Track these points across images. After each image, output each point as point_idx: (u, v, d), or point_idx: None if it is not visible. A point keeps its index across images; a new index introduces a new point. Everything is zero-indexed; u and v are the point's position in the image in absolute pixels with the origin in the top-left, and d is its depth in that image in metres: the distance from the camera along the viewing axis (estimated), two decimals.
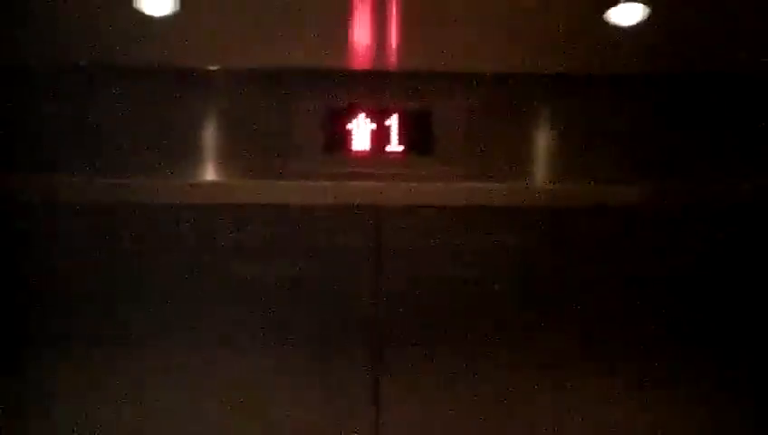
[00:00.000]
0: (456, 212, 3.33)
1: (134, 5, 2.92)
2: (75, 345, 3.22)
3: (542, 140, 3.37)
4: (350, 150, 3.24)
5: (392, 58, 3.26)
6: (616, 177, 3.28)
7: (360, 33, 3.13)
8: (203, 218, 3.31)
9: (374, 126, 3.25)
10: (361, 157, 3.25)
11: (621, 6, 2.94)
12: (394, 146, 3.25)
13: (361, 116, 3.26)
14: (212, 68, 3.32)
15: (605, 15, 2.99)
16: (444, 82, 3.30)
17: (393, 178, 3.23)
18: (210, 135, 3.31)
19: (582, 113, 3.33)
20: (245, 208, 3.28)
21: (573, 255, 3.36)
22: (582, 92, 3.33)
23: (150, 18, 2.99)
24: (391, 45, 3.19)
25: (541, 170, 3.35)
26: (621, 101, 3.34)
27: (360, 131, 3.26)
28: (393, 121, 3.26)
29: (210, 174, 3.28)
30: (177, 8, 2.95)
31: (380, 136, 3.25)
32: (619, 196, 3.31)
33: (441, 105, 3.28)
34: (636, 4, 2.92)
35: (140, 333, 3.23)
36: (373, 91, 3.28)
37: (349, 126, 3.25)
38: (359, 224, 3.32)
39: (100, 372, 3.21)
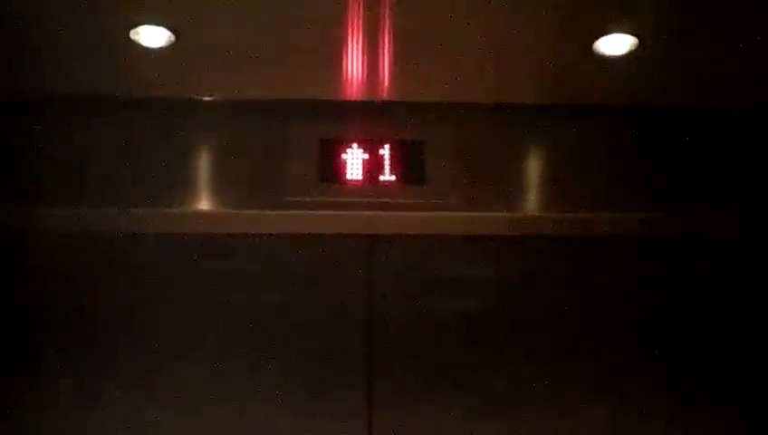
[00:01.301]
0: (448, 241, 3.34)
1: (128, 36, 2.95)
2: (60, 376, 3.16)
3: (535, 170, 3.41)
4: (344, 180, 3.27)
5: (385, 89, 3.30)
6: (607, 206, 3.31)
7: (353, 64, 3.16)
8: (195, 248, 3.30)
9: (367, 156, 3.29)
10: (355, 187, 3.27)
11: (610, 37, 2.99)
12: (387, 176, 3.28)
13: (354, 146, 3.29)
14: (205, 99, 3.35)
15: (595, 46, 3.04)
16: (436, 112, 3.34)
17: (386, 207, 3.25)
18: (203, 166, 3.33)
19: (575, 143, 3.37)
20: (237, 238, 3.28)
21: (567, 283, 3.37)
22: (575, 123, 3.37)
23: (144, 49, 3.01)
24: (384, 76, 3.23)
25: (534, 200, 3.38)
26: (613, 132, 3.39)
27: (354, 161, 3.29)
28: (386, 151, 3.29)
29: (203, 204, 3.29)
30: (172, 40, 2.97)
31: (373, 166, 3.28)
32: (612, 225, 3.34)
33: (434, 135, 3.32)
34: (625, 35, 2.97)
35: (129, 365, 3.19)
36: (366, 121, 3.32)
37: (342, 156, 3.29)
38: (352, 253, 3.32)
39: (86, 406, 3.15)
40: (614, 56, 3.08)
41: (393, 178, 3.28)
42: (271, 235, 3.28)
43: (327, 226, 3.26)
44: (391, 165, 3.28)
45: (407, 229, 3.30)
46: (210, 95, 3.35)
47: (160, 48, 3.01)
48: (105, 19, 2.86)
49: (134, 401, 3.15)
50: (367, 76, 3.21)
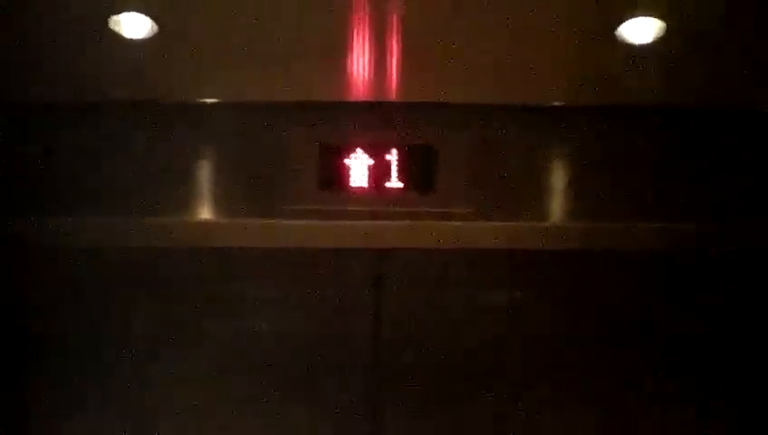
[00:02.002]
0: (459, 254, 3.12)
1: (120, 35, 2.78)
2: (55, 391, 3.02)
3: (555, 176, 3.17)
4: (348, 187, 3.08)
5: (392, 89, 3.10)
6: (634, 216, 3.07)
7: (358, 62, 2.97)
8: (189, 261, 3.11)
9: (372, 161, 3.09)
10: (359, 194, 3.08)
11: (635, 21, 2.72)
12: (394, 182, 3.09)
13: (359, 151, 3.10)
14: (200, 101, 3.16)
15: (617, 34, 2.78)
16: (447, 113, 3.13)
17: (393, 216, 3.05)
18: (197, 172, 3.14)
19: (598, 146, 3.13)
20: (228, 251, 3.09)
21: (584, 299, 3.13)
22: (598, 125, 3.13)
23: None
24: (391, 75, 3.04)
25: (553, 209, 3.15)
26: (639, 134, 3.14)
27: (358, 167, 3.09)
28: (393, 157, 3.10)
29: (197, 213, 3.10)
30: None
31: (379, 172, 3.09)
32: (639, 237, 3.09)
33: (444, 139, 3.11)
34: (650, 18, 2.71)
35: (119, 390, 3.03)
36: (372, 124, 3.12)
37: (346, 161, 3.09)
38: (357, 266, 3.12)
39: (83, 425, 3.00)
40: (639, 45, 2.81)
41: (401, 185, 3.10)
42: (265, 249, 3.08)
43: (327, 238, 3.07)
44: (399, 171, 3.10)
45: (416, 242, 3.08)
46: (204, 98, 3.16)
47: (142, 40, 2.81)
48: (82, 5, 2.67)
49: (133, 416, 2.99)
50: (372, 74, 3.02)
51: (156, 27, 2.76)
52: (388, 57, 2.95)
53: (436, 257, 3.12)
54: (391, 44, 2.89)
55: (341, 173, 3.08)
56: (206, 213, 3.12)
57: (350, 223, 3.06)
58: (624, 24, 2.74)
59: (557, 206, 3.16)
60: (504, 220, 3.07)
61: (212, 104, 3.16)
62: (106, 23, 2.72)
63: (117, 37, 2.78)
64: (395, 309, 3.11)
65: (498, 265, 3.13)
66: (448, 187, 3.07)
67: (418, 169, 3.08)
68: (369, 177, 3.08)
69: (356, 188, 3.08)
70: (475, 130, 3.13)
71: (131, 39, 2.80)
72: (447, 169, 3.08)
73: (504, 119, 3.14)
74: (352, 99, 3.13)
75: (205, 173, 3.14)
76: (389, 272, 3.14)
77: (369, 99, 3.13)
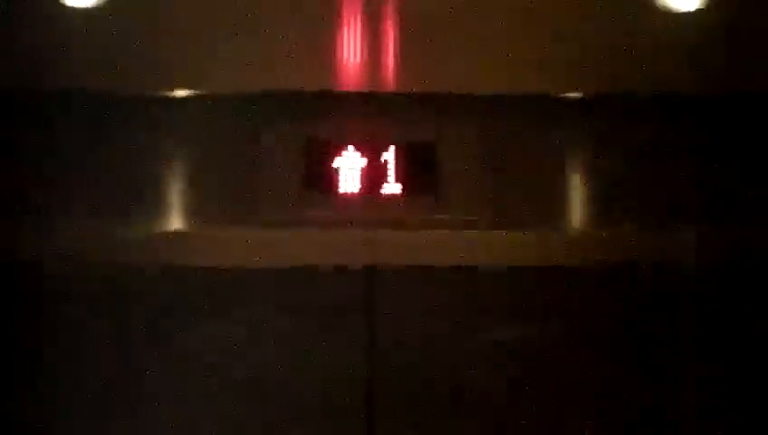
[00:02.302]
0: (466, 268, 2.71)
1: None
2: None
3: (573, 178, 2.81)
4: (337, 192, 2.74)
5: (388, 77, 2.75)
6: (658, 223, 2.72)
7: (349, 45, 2.63)
8: (141, 277, 2.69)
9: (366, 161, 2.75)
10: (350, 200, 2.74)
11: None
12: (391, 186, 2.75)
13: (350, 149, 2.76)
14: (167, 94, 2.78)
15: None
16: (451, 106, 2.78)
17: (390, 225, 2.71)
18: (164, 174, 2.76)
19: (620, 142, 2.77)
20: (200, 269, 2.69)
21: (597, 316, 2.72)
22: (621, 116, 2.77)
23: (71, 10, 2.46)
24: (387, 60, 2.69)
25: (572, 215, 2.79)
26: (666, 128, 2.77)
27: (349, 168, 2.76)
28: (390, 156, 2.76)
29: (157, 223, 2.72)
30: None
31: (374, 174, 2.75)
32: (661, 246, 2.72)
33: (448, 135, 2.77)
34: None
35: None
36: (365, 118, 2.78)
37: (335, 162, 2.74)
38: (347, 283, 2.71)
39: None
40: (679, 12, 2.46)
41: (399, 188, 2.76)
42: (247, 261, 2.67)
43: (311, 252, 2.69)
44: (397, 172, 2.76)
45: (416, 256, 2.69)
46: (172, 89, 2.77)
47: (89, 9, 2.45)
48: None
49: None
50: (366, 59, 2.68)
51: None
52: (384, 39, 2.63)
53: (442, 274, 2.72)
54: (387, 23, 2.57)
55: (329, 175, 2.74)
56: (166, 223, 2.73)
57: (340, 234, 2.69)
58: None
59: (577, 211, 2.80)
60: (514, 229, 2.70)
61: (176, 97, 2.78)
62: None
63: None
64: (390, 338, 2.71)
65: (504, 278, 2.72)
66: (454, 190, 2.73)
67: (419, 171, 2.75)
68: (363, 179, 2.74)
69: (347, 193, 2.74)
70: (484, 124, 2.77)
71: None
72: (453, 170, 2.74)
73: (516, 111, 2.78)
74: (342, 88, 2.78)
75: (166, 176, 2.76)
76: (386, 293, 2.73)
77: (360, 88, 2.78)
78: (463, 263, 2.69)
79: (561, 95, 2.80)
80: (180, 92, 2.77)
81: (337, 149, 2.74)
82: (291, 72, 2.67)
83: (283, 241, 2.68)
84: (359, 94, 2.78)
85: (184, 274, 2.64)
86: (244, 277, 2.66)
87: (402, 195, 2.73)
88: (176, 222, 2.74)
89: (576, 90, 2.79)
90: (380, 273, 2.70)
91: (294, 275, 2.67)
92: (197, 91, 2.77)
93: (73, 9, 2.46)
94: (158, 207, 2.73)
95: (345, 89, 2.78)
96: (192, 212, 2.73)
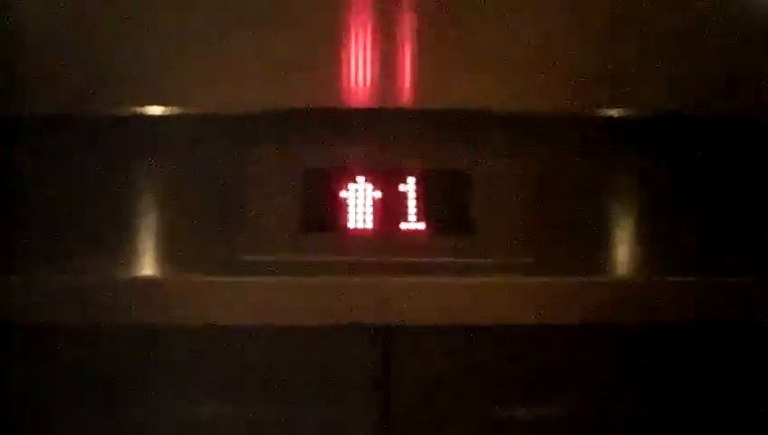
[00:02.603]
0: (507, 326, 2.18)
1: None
2: None
3: (633, 211, 2.32)
4: (344, 231, 2.23)
5: (407, 91, 2.28)
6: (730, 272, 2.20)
7: (359, 53, 2.18)
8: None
9: (380, 193, 2.25)
10: (361, 240, 2.22)
11: None
12: (411, 223, 2.24)
13: (361, 179, 2.26)
14: (139, 112, 2.28)
15: None
16: (485, 127, 2.29)
17: (410, 271, 2.19)
18: (133, 207, 2.26)
19: (686, 171, 2.30)
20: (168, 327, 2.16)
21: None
22: (690, 139, 2.29)
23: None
24: (403, 72, 2.23)
25: (633, 258, 2.28)
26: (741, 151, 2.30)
27: (360, 202, 2.26)
28: (410, 186, 2.25)
29: (133, 266, 2.20)
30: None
31: (391, 208, 2.25)
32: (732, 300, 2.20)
33: (481, 162, 2.27)
34: None
35: None
36: (379, 140, 2.28)
37: (341, 194, 2.24)
38: (357, 345, 2.19)
39: None
40: None
41: (422, 226, 2.25)
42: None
43: (312, 307, 2.14)
44: (418, 207, 2.25)
45: (447, 313, 2.16)
46: (137, 104, 2.26)
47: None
48: None
49: None
50: (378, 71, 2.22)
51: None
52: (400, 46, 2.18)
53: (474, 334, 2.20)
54: (404, 28, 2.15)
55: (335, 210, 2.23)
56: (136, 268, 2.20)
57: (348, 281, 2.17)
58: None
59: (639, 253, 2.30)
60: (563, 274, 2.18)
61: (153, 116, 2.29)
62: None
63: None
64: (408, 414, 2.19)
65: (551, 334, 2.21)
66: (491, 227, 2.21)
67: (447, 204, 2.25)
68: (376, 215, 2.24)
69: (357, 230, 2.23)
70: (525, 149, 2.28)
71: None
72: (489, 203, 2.23)
73: (562, 133, 2.30)
74: (352, 105, 2.31)
75: (141, 209, 2.26)
76: (404, 358, 2.21)
77: (372, 104, 2.30)
78: (504, 319, 2.16)
79: (617, 114, 2.33)
80: (157, 111, 2.28)
81: (345, 179, 2.24)
82: (288, 87, 2.21)
83: (274, 292, 2.15)
84: (369, 111, 2.30)
85: (151, 331, 2.11)
86: (224, 338, 2.13)
87: (425, 233, 2.22)
88: (143, 268, 2.22)
89: (629, 108, 2.31)
90: (398, 326, 2.17)
91: (290, 333, 2.15)
92: (177, 111, 2.28)
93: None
94: (120, 250, 2.22)
95: (354, 105, 2.30)
96: (162, 257, 2.23)
